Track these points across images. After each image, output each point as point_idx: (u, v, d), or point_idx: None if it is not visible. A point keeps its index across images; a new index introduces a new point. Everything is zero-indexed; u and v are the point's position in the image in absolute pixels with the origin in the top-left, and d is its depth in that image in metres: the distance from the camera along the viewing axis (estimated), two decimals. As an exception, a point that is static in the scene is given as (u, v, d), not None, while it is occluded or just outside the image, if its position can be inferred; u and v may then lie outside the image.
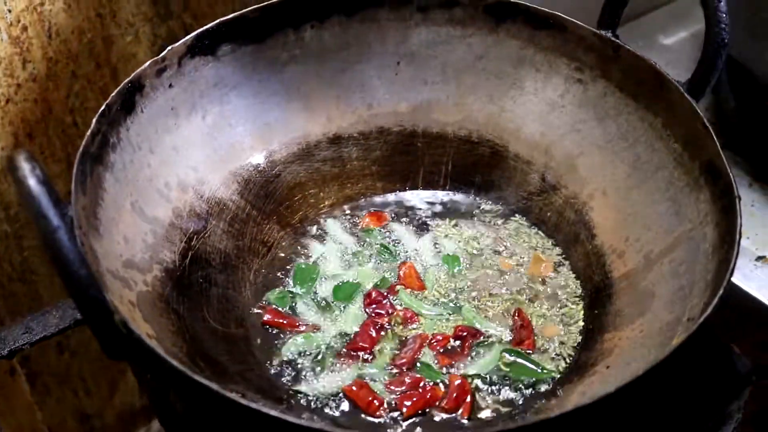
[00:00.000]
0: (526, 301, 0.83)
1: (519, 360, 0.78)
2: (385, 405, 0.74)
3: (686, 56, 1.23)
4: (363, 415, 0.74)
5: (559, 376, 0.77)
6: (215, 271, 0.82)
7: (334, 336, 0.80)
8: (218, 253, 0.83)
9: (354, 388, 0.75)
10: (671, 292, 0.75)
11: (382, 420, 0.74)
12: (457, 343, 0.79)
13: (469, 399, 0.74)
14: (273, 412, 0.59)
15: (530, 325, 0.80)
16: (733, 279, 0.97)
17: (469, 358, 0.78)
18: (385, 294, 0.83)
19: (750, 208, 1.07)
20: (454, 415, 0.74)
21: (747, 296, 0.98)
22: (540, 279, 0.85)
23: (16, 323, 0.82)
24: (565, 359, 0.78)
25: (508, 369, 0.77)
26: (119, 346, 0.63)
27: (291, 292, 0.83)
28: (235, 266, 0.83)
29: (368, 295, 0.83)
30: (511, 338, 0.80)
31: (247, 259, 0.85)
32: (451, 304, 0.83)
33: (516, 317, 0.81)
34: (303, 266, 0.85)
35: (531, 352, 0.79)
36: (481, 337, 0.80)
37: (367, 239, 0.88)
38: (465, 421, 0.74)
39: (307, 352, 0.78)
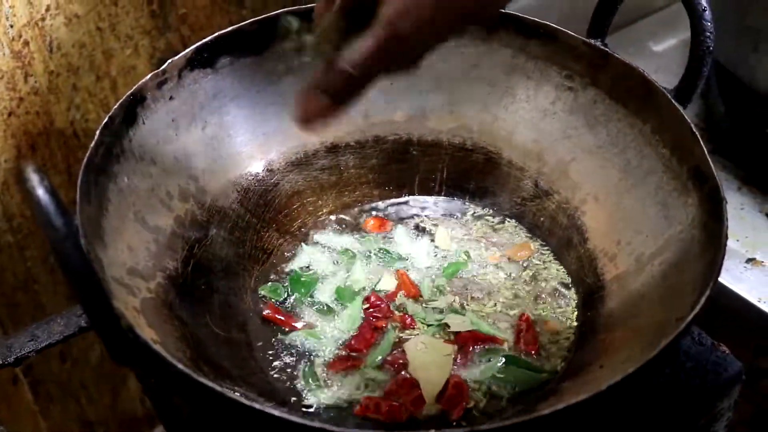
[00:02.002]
0: (525, 303, 0.84)
1: (517, 367, 0.79)
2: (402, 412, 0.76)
3: (676, 63, 1.25)
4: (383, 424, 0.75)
5: (553, 377, 0.78)
6: (217, 278, 0.83)
7: (333, 338, 0.81)
8: (219, 260, 0.84)
9: (368, 406, 0.76)
10: (661, 294, 0.77)
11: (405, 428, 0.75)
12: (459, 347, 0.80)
13: (465, 400, 0.76)
14: (277, 413, 0.61)
15: (533, 329, 0.82)
16: (724, 281, 1.00)
17: (471, 362, 0.79)
18: (384, 299, 0.84)
19: (740, 211, 1.09)
20: (446, 414, 0.76)
21: (737, 298, 1.00)
22: (532, 276, 0.87)
23: (21, 331, 0.84)
24: (559, 360, 0.80)
25: (505, 375, 0.78)
26: (126, 351, 0.64)
27: (287, 290, 0.86)
28: (236, 273, 0.85)
29: (367, 299, 0.84)
30: (513, 341, 0.81)
31: (247, 266, 0.86)
32: (451, 309, 0.84)
33: (520, 321, 0.82)
34: (300, 274, 0.87)
35: (532, 353, 0.80)
36: (487, 343, 0.81)
37: (366, 244, 0.90)
38: (457, 421, 0.75)
39: (306, 352, 0.80)
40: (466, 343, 0.80)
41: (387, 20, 0.60)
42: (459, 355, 0.80)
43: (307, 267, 0.88)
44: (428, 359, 0.79)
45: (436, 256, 0.89)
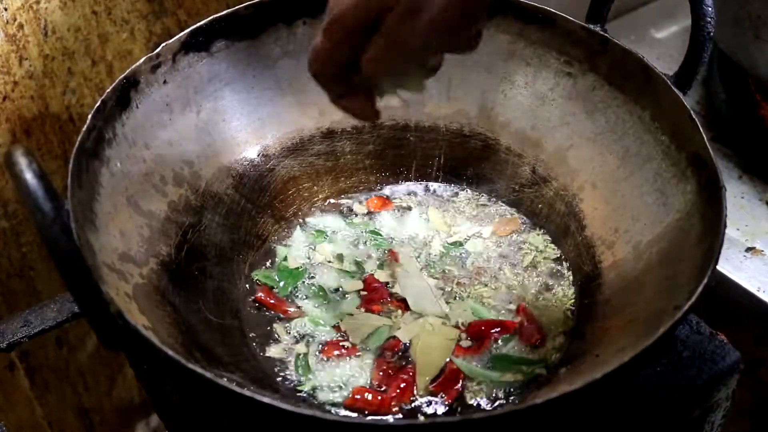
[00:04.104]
0: (522, 291, 0.84)
1: (512, 363, 0.78)
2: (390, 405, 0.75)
3: (677, 50, 1.24)
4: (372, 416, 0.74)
5: (549, 368, 0.77)
6: (210, 263, 0.82)
7: (328, 323, 0.81)
8: (213, 246, 0.84)
9: (357, 396, 0.75)
10: (659, 282, 0.76)
11: (396, 415, 0.74)
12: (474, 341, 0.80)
13: (458, 386, 0.75)
14: (267, 400, 0.60)
15: (535, 320, 0.81)
16: (723, 270, 0.99)
17: (479, 354, 0.79)
18: (380, 282, 0.84)
19: (740, 200, 1.08)
20: (438, 398, 0.75)
21: (736, 287, 0.99)
22: (529, 263, 0.86)
23: (14, 317, 0.83)
24: (556, 350, 0.79)
25: (500, 371, 0.77)
26: (116, 337, 0.64)
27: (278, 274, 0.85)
28: (230, 259, 0.84)
29: (364, 282, 0.84)
30: (518, 333, 0.80)
31: (242, 252, 0.85)
32: (453, 296, 0.83)
33: (520, 313, 0.81)
34: (286, 266, 0.86)
35: (538, 346, 0.79)
36: (498, 329, 0.80)
37: (357, 227, 0.89)
38: (449, 406, 0.75)
39: (301, 338, 0.80)
40: (481, 333, 0.80)
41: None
42: (471, 345, 0.79)
43: (296, 255, 0.87)
44: (432, 342, 0.78)
45: (430, 238, 0.88)
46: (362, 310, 0.82)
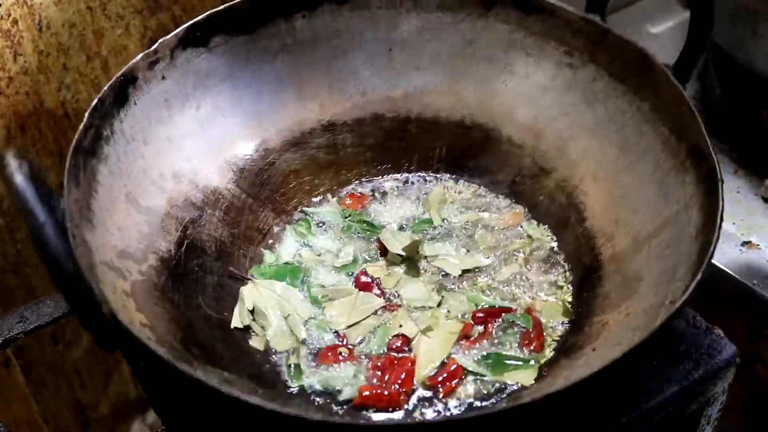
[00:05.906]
0: (520, 284, 0.84)
1: (507, 361, 0.78)
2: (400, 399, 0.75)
3: (674, 45, 1.23)
4: (382, 412, 0.74)
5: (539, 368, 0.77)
6: (210, 259, 0.82)
7: (325, 322, 0.81)
8: (214, 241, 0.83)
9: (366, 393, 0.74)
10: (657, 275, 0.76)
11: (405, 408, 0.74)
12: (480, 328, 0.80)
13: (456, 380, 0.75)
14: (254, 400, 0.60)
15: (540, 326, 0.80)
16: (719, 264, 0.99)
17: (478, 345, 0.78)
18: (372, 277, 0.84)
19: (735, 194, 1.08)
20: (432, 392, 0.75)
21: (732, 281, 1.00)
22: (528, 254, 0.86)
23: (10, 313, 0.83)
24: (552, 347, 0.79)
25: (495, 369, 0.77)
26: (110, 337, 0.63)
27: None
28: (231, 254, 0.84)
29: (357, 279, 0.84)
30: (520, 339, 0.79)
31: (242, 247, 0.85)
32: (448, 288, 0.83)
33: (528, 313, 0.81)
34: (279, 266, 0.85)
35: (537, 353, 0.78)
36: (499, 316, 0.80)
37: (348, 218, 0.89)
38: (443, 401, 0.74)
39: (299, 342, 0.79)
40: (482, 320, 0.80)
41: None
42: (475, 335, 0.79)
43: (288, 253, 0.86)
44: (434, 335, 0.78)
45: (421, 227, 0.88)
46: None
